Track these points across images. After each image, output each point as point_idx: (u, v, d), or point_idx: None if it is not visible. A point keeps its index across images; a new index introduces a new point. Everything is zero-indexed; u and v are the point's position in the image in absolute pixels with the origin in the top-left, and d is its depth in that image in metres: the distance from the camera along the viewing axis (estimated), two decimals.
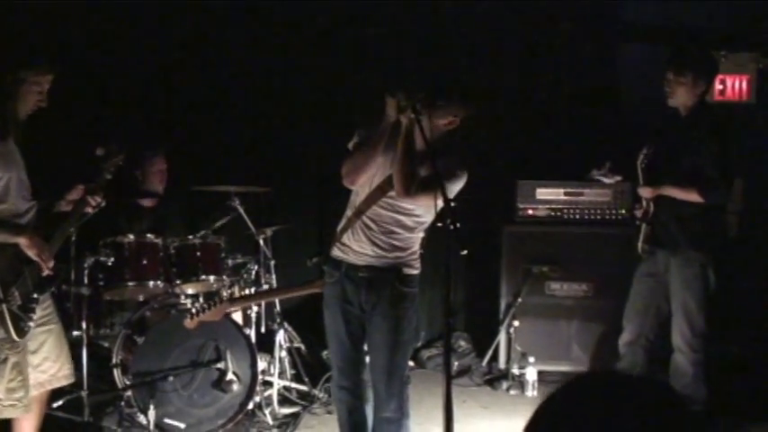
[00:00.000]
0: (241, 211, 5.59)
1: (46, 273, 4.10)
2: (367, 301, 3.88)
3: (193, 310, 4.32)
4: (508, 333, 6.21)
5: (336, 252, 3.93)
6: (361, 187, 3.88)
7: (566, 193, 6.30)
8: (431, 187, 3.55)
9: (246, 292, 5.59)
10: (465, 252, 3.13)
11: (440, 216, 3.62)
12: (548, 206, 6.31)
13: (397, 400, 3.91)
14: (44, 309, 4.21)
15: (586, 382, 1.50)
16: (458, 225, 3.23)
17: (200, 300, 5.29)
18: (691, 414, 1.46)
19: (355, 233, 3.87)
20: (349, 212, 3.94)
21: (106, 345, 5.31)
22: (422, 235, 3.95)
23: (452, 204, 3.37)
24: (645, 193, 5.04)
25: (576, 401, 1.46)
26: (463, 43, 6.55)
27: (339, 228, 3.97)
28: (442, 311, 3.47)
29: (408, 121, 3.63)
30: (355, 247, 3.86)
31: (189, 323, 4.33)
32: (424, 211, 3.83)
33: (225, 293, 5.43)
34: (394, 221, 3.83)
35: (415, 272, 3.93)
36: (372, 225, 3.84)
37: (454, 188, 3.79)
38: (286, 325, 5.74)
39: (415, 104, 3.59)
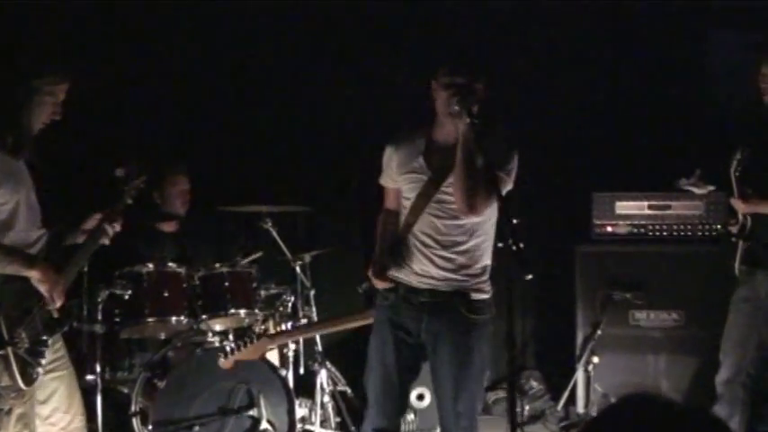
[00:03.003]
0: (275, 233, 5.64)
1: (55, 312, 4.10)
2: (429, 330, 3.94)
3: (228, 348, 4.37)
4: (587, 371, 6.15)
5: (393, 272, 4.00)
6: (404, 198, 4.00)
7: (650, 207, 6.26)
8: (491, 191, 3.66)
9: (283, 327, 5.62)
10: (530, 277, 3.18)
11: (500, 235, 3.66)
12: (629, 222, 6.25)
13: None
14: (55, 352, 4.16)
15: (626, 408, 1.56)
16: (521, 245, 3.24)
17: (230, 337, 5.35)
18: None
19: (412, 252, 3.95)
20: (400, 227, 4.03)
21: (124, 390, 5.34)
22: (491, 238, 3.99)
23: (514, 221, 3.39)
24: (739, 206, 5.02)
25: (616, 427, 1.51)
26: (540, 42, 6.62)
27: (391, 243, 4.04)
28: (506, 346, 3.48)
29: (465, 127, 3.70)
30: (416, 269, 3.93)
31: (224, 363, 4.37)
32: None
33: (258, 329, 5.47)
34: (454, 228, 3.90)
35: (486, 296, 3.98)
36: (429, 240, 3.91)
37: (511, 180, 3.91)
38: (329, 365, 5.77)
39: (471, 108, 3.67)
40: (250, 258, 5.65)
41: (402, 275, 3.98)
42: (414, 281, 3.95)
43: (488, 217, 3.92)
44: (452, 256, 3.91)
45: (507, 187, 3.87)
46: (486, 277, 3.99)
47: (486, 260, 4.00)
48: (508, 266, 3.33)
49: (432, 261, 3.92)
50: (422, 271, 3.93)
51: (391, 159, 4.05)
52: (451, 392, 3.93)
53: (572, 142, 6.66)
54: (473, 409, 3.98)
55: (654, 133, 6.56)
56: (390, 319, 3.99)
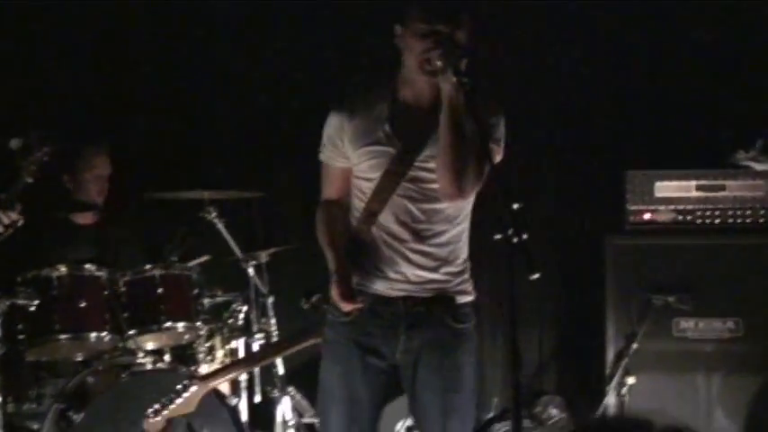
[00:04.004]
0: (221, 226, 5.62)
1: None
2: (407, 349, 3.87)
3: (155, 407, 4.38)
4: (620, 395, 6.12)
5: (355, 279, 3.87)
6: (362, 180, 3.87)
7: (698, 188, 6.24)
8: (483, 167, 3.62)
9: (233, 344, 5.65)
10: (536, 276, 3.12)
11: (498, 224, 3.56)
12: (672, 207, 6.25)
13: None
14: None
15: None
16: (524, 236, 3.20)
17: (166, 357, 5.36)
18: None
19: (378, 250, 3.85)
20: (356, 218, 3.91)
21: (33, 426, 5.32)
22: (467, 226, 3.96)
23: (515, 206, 3.28)
24: None
25: None
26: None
27: (348, 243, 3.91)
28: (511, 365, 3.40)
29: (451, 88, 3.62)
30: (386, 271, 3.85)
31: (151, 424, 4.39)
32: None
33: (201, 349, 5.50)
34: (433, 214, 3.83)
35: (471, 298, 3.96)
36: (401, 231, 3.83)
37: (501, 150, 3.84)
38: (292, 391, 5.77)
39: (458, 63, 3.58)
40: (196, 262, 5.68)
41: (366, 282, 3.86)
42: (382, 288, 3.85)
43: (471, 198, 3.86)
44: (431, 250, 3.84)
45: (497, 159, 3.79)
46: (468, 275, 3.95)
47: (466, 253, 3.96)
48: (509, 264, 3.25)
49: (406, 258, 3.82)
50: (393, 274, 3.84)
51: (341, 130, 3.87)
52: (439, 422, 3.89)
53: (599, 108, 6.71)
54: None
55: (702, 96, 6.59)
56: (355, 339, 3.87)
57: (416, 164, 3.79)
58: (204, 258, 5.73)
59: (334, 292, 3.77)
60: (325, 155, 3.94)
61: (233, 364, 5.49)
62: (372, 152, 3.81)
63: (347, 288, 3.77)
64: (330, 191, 4.00)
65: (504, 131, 3.86)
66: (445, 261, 3.86)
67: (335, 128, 3.88)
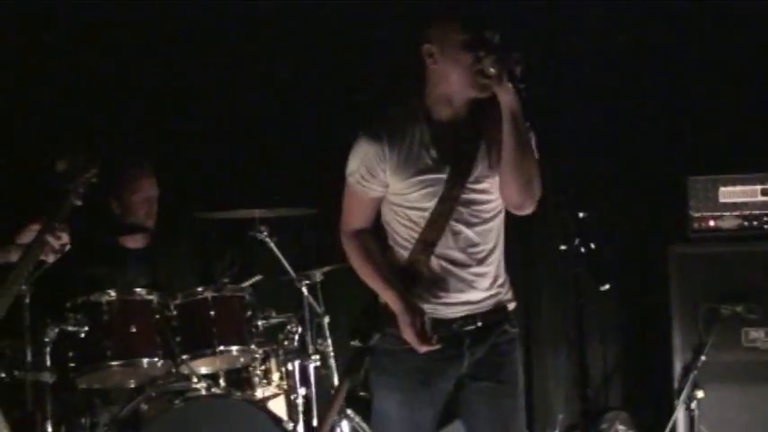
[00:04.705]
0: (272, 245, 5.59)
1: None
2: (470, 364, 3.89)
3: None
4: (689, 409, 6.09)
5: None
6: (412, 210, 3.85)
7: (763, 192, 6.21)
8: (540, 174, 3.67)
9: (289, 366, 5.63)
10: (607, 287, 3.24)
11: (565, 234, 3.50)
12: (738, 213, 6.22)
13: None
14: None
15: None
16: (592, 246, 3.29)
17: (221, 381, 5.37)
18: None
19: (438, 280, 3.84)
20: (408, 249, 3.86)
21: None
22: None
23: (581, 215, 3.37)
24: None
25: None
26: None
27: (401, 273, 3.88)
28: (580, 381, 3.35)
29: (510, 98, 3.59)
30: (449, 298, 3.85)
31: None
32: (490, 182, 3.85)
33: (257, 372, 5.52)
34: (486, 235, 3.84)
35: (515, 303, 4.02)
36: (462, 257, 3.82)
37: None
38: (351, 413, 5.70)
39: (514, 70, 3.54)
40: (248, 282, 5.62)
41: (425, 307, 3.83)
42: (443, 312, 3.85)
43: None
44: (489, 269, 3.87)
45: None
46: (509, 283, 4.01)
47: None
48: (577, 275, 3.18)
49: (470, 284, 3.84)
50: (455, 299, 3.85)
51: (382, 160, 3.82)
52: (501, 422, 3.94)
53: (660, 110, 6.66)
54: None
55: (765, 97, 6.53)
56: (418, 366, 3.84)
57: (468, 186, 3.78)
58: (257, 278, 5.69)
59: (409, 336, 3.74)
60: (361, 184, 3.91)
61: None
62: (424, 181, 3.78)
63: (422, 330, 3.74)
64: (360, 219, 4.02)
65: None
66: (498, 276, 3.90)
67: (375, 157, 3.82)
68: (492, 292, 3.87)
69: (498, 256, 3.89)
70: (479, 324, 3.85)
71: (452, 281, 3.82)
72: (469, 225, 3.80)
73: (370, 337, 3.93)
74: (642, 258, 6.32)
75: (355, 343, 4.07)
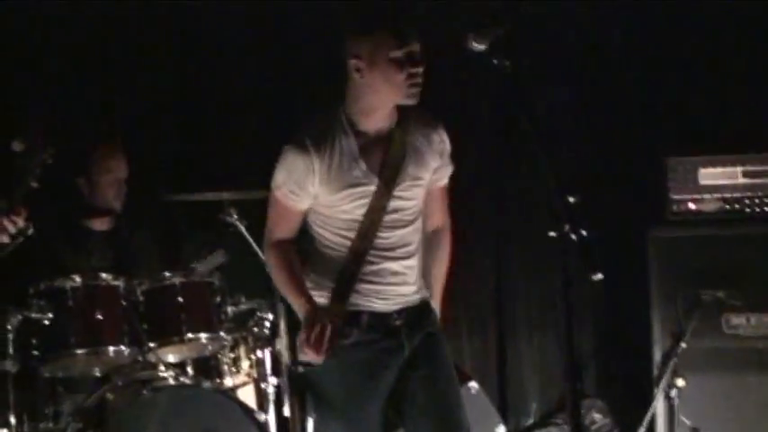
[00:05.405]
0: (242, 229, 5.56)
1: None
2: (409, 354, 4.04)
3: None
4: (669, 398, 6.05)
5: (353, 299, 4.01)
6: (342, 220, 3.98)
7: (745, 174, 6.18)
8: None
9: (259, 354, 5.62)
10: (600, 276, 3.16)
11: (553, 220, 3.42)
12: (718, 195, 6.20)
13: None
14: None
15: None
16: (584, 233, 3.22)
17: (189, 370, 5.38)
18: None
19: (373, 282, 3.99)
20: (340, 251, 3.98)
21: None
22: None
23: (571, 199, 3.29)
24: None
25: None
26: None
27: (336, 277, 4.00)
28: (564, 371, 3.44)
29: None
30: (387, 295, 4.02)
31: None
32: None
33: (225, 360, 5.54)
34: (413, 234, 4.05)
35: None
36: (394, 263, 4.00)
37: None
38: None
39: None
40: (210, 259, 5.58)
41: (362, 302, 4.01)
42: (381, 305, 4.02)
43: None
44: (416, 262, 4.08)
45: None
46: None
47: None
48: (566, 263, 3.24)
49: (403, 281, 4.04)
50: (392, 292, 4.03)
51: (310, 173, 3.91)
52: (451, 411, 4.06)
53: (639, 90, 6.70)
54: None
55: (746, 78, 6.56)
56: (360, 360, 3.98)
57: (395, 194, 3.94)
58: (220, 257, 5.61)
59: (302, 341, 3.87)
60: (290, 198, 3.98)
61: None
62: (355, 194, 3.91)
63: (321, 338, 3.82)
64: (285, 231, 4.09)
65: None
66: (419, 270, 4.13)
67: (304, 171, 3.91)
68: (418, 285, 4.08)
69: (420, 250, 4.09)
70: (413, 316, 4.03)
71: (383, 280, 3.98)
72: (396, 228, 3.97)
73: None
74: (620, 242, 6.31)
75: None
